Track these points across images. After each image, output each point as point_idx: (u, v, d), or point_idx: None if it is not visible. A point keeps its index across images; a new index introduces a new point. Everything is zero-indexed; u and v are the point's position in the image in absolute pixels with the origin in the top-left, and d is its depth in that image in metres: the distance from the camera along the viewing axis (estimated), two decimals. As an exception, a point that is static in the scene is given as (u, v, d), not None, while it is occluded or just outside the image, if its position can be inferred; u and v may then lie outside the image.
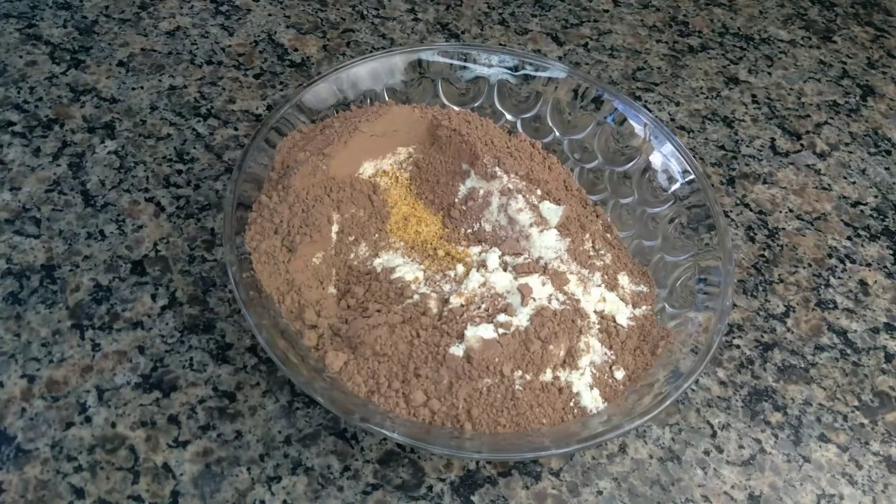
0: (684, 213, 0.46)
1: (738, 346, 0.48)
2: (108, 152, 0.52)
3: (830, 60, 0.70)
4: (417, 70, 0.51)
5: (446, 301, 0.41)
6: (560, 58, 0.65)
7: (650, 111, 0.58)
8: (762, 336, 0.49)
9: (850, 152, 0.62)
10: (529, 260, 0.43)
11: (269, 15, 0.64)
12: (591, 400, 0.39)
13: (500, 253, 0.44)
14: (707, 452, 0.43)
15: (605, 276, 0.44)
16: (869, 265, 0.54)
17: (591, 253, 0.45)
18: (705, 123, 0.62)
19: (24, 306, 0.44)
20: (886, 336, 0.50)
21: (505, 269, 0.43)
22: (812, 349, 0.49)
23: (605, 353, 0.41)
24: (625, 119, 0.49)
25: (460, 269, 0.43)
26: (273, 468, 0.39)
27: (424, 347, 0.38)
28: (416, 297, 0.41)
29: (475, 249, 0.44)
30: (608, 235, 0.47)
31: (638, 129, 0.49)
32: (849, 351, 0.49)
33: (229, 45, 0.61)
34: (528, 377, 0.38)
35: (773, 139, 0.62)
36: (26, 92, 0.55)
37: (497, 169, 0.45)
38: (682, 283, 0.44)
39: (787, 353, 0.48)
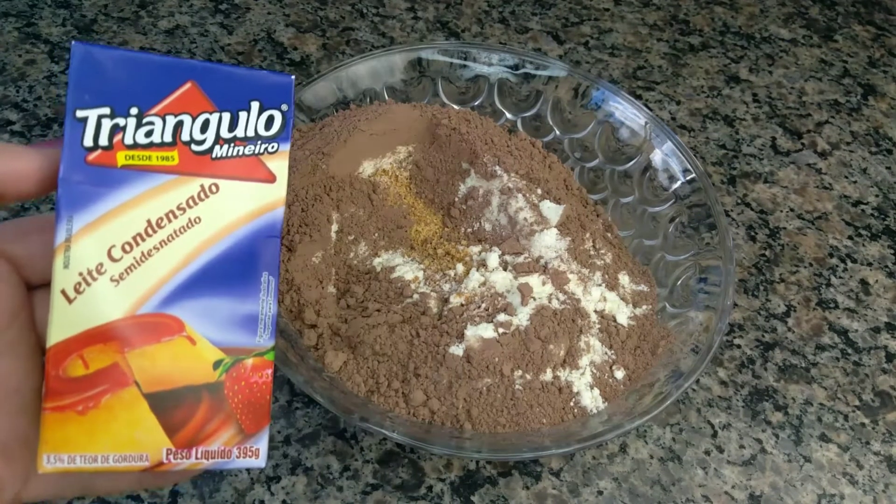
0: (685, 212, 0.46)
1: (738, 346, 0.48)
2: (107, 151, 0.52)
3: (831, 59, 0.70)
4: (417, 69, 0.50)
5: (446, 301, 0.41)
6: (560, 56, 0.65)
7: (651, 110, 0.58)
8: (763, 336, 0.49)
9: (852, 151, 0.62)
10: (529, 259, 0.43)
11: (269, 13, 0.64)
12: (591, 400, 0.39)
13: (500, 252, 0.43)
14: (708, 452, 0.43)
15: (606, 276, 0.44)
16: (870, 264, 0.54)
17: (592, 252, 0.45)
18: (706, 122, 0.62)
19: (23, 306, 0.44)
20: (887, 335, 0.50)
21: (505, 269, 0.43)
22: (813, 349, 0.49)
23: (606, 353, 0.41)
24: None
25: (460, 268, 0.43)
26: (272, 468, 0.39)
27: (424, 347, 0.38)
28: (415, 296, 0.41)
29: (475, 249, 0.44)
30: (608, 235, 0.47)
31: (638, 128, 0.48)
32: (850, 350, 0.49)
33: (228, 44, 0.61)
34: (528, 377, 0.38)
35: (774, 138, 0.62)
36: (25, 91, 0.55)
37: (497, 168, 0.45)
38: (682, 283, 0.44)
39: (788, 353, 0.48)
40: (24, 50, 0.58)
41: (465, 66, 0.51)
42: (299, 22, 0.64)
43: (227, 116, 0.25)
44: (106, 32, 0.60)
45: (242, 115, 0.25)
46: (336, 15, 0.65)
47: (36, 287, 0.25)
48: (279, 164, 0.26)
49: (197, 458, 0.25)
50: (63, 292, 0.23)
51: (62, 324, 0.23)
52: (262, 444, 0.26)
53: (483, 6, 0.68)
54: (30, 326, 0.24)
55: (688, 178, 0.46)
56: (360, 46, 0.63)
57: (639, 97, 0.63)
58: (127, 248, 0.24)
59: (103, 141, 0.24)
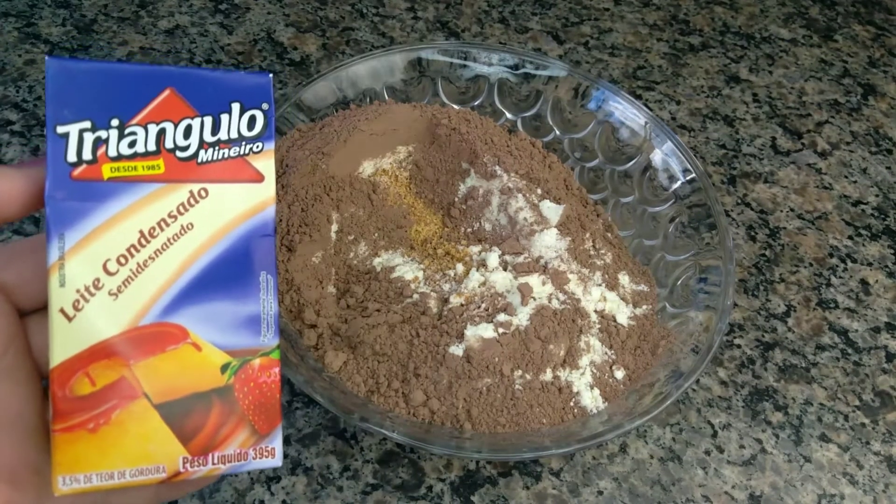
0: (685, 212, 0.46)
1: (738, 346, 0.48)
2: (107, 151, 0.52)
3: (831, 59, 0.70)
4: (417, 69, 0.50)
5: (446, 301, 0.41)
6: (560, 56, 0.65)
7: (651, 110, 0.58)
8: (763, 335, 0.49)
9: (852, 151, 0.62)
10: (529, 259, 0.43)
11: (269, 13, 0.64)
12: (591, 400, 0.39)
13: (500, 252, 0.43)
14: (708, 452, 0.43)
15: (606, 276, 0.44)
16: (870, 264, 0.54)
17: (592, 252, 0.45)
18: (706, 122, 0.62)
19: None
20: (887, 335, 0.50)
21: (505, 269, 0.43)
22: (813, 349, 0.49)
23: (606, 353, 0.41)
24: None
25: (460, 268, 0.43)
26: (272, 468, 0.39)
27: (424, 347, 0.38)
28: (415, 296, 0.41)
29: (475, 249, 0.44)
30: (609, 234, 0.47)
31: (638, 128, 0.48)
32: (850, 350, 0.49)
33: (228, 44, 0.61)
34: (527, 377, 0.38)
35: (774, 138, 0.62)
36: (25, 91, 0.55)
37: (497, 168, 0.45)
38: (682, 283, 0.44)
39: (788, 353, 0.48)
40: (24, 50, 0.58)
41: (465, 66, 0.51)
42: (299, 22, 0.64)
43: (208, 120, 0.25)
44: (106, 32, 0.60)
45: (224, 117, 0.25)
46: (336, 15, 0.65)
47: (29, 313, 0.24)
48: (265, 163, 0.26)
49: (214, 463, 0.25)
50: (62, 311, 0.23)
51: (64, 343, 0.23)
52: (277, 443, 0.26)
53: (483, 6, 0.68)
54: (25, 353, 0.24)
55: (688, 178, 0.46)
56: (360, 46, 0.63)
57: (639, 97, 0.63)
58: (122, 260, 0.24)
59: (87, 155, 0.23)
